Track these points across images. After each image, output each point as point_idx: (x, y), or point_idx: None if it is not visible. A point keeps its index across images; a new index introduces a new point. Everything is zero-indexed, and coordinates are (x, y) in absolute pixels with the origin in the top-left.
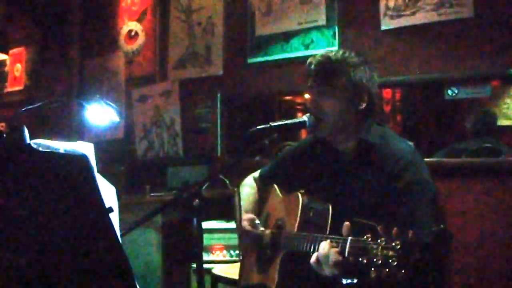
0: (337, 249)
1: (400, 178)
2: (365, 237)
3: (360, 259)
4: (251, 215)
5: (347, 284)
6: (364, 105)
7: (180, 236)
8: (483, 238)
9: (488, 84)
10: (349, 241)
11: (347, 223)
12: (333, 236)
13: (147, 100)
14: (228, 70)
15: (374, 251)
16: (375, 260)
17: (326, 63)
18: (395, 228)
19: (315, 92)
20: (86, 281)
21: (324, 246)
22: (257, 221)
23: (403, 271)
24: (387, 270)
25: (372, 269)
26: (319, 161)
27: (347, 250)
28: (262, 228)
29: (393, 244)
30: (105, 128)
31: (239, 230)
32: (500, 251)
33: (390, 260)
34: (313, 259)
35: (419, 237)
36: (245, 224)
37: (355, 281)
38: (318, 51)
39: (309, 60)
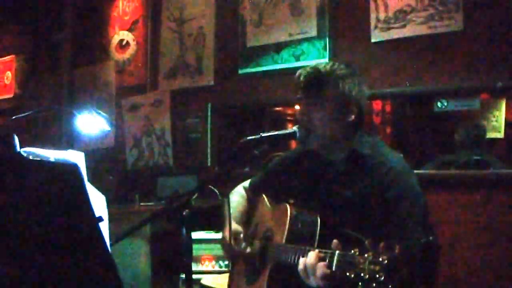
0: (324, 263)
1: (390, 189)
2: (352, 251)
3: (348, 273)
4: (237, 227)
5: None
6: (353, 117)
7: (169, 246)
8: (472, 250)
9: (477, 96)
10: (336, 255)
11: (335, 241)
12: (321, 250)
13: (137, 110)
14: (219, 80)
15: (361, 266)
16: (362, 274)
17: (315, 75)
18: (382, 243)
19: (304, 104)
20: None
21: (312, 256)
22: (241, 235)
23: (390, 286)
24: (374, 285)
25: (359, 283)
26: (308, 172)
27: (334, 263)
28: (243, 243)
29: (380, 259)
30: (96, 137)
31: (223, 240)
32: (489, 263)
33: (377, 275)
34: (300, 266)
35: (407, 251)
36: (226, 235)
37: None
38: (308, 63)
39: (298, 72)
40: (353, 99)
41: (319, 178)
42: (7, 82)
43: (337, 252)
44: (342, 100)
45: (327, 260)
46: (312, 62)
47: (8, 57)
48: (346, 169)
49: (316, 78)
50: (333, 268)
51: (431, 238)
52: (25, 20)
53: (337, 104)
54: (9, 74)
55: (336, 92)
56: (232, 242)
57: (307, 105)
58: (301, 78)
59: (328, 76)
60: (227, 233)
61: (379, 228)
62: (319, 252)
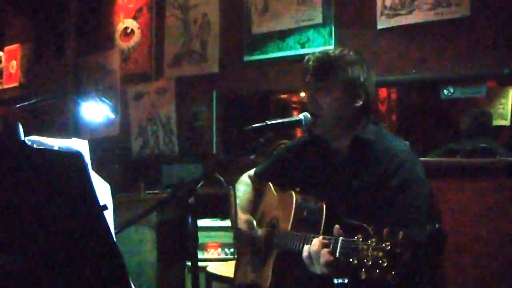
0: (328, 249)
1: (395, 176)
2: (356, 237)
3: (351, 260)
4: (248, 216)
5: (338, 284)
6: (360, 102)
7: (175, 234)
8: (477, 238)
9: (483, 84)
10: (340, 241)
11: (337, 226)
12: (325, 236)
13: (142, 98)
14: (224, 68)
15: (365, 252)
16: (365, 261)
17: (324, 60)
18: (385, 229)
19: (312, 88)
20: (81, 280)
21: (316, 243)
22: (254, 222)
23: (393, 272)
24: (377, 271)
25: (363, 269)
26: (313, 160)
27: (338, 250)
28: (258, 230)
29: (383, 245)
30: (101, 126)
31: (234, 228)
32: (494, 251)
33: (380, 261)
34: (305, 253)
35: (410, 237)
36: (242, 226)
37: (346, 281)
38: (314, 50)
39: (307, 57)
40: (361, 85)
41: (324, 166)
42: (12, 71)
43: (340, 238)
44: (350, 86)
45: (330, 247)
46: (318, 50)
47: (13, 46)
48: (350, 157)
49: (325, 62)
50: (337, 255)
51: (436, 225)
52: (30, 9)
53: (345, 89)
54: (14, 63)
55: (344, 77)
56: (246, 229)
57: (315, 90)
58: (310, 62)
59: (337, 61)
60: (236, 223)
61: (384, 215)
62: (323, 238)
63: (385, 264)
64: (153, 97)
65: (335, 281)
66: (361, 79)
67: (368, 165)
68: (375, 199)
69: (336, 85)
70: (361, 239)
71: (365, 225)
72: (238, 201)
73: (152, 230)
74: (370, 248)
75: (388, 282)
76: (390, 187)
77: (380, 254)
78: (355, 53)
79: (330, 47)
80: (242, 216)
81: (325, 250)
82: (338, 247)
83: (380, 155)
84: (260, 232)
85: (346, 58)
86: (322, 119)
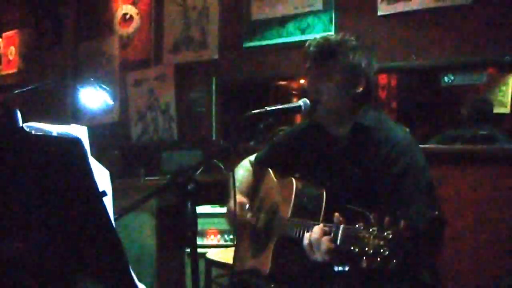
0: (329, 237)
1: (396, 164)
2: (357, 225)
3: (352, 248)
4: (242, 199)
5: (338, 271)
6: (361, 89)
7: (174, 221)
8: (477, 225)
9: (484, 71)
10: (341, 229)
11: (337, 214)
12: (326, 224)
13: (142, 84)
14: (224, 54)
15: (366, 240)
16: (366, 249)
17: (325, 45)
18: (387, 218)
19: (313, 74)
20: (80, 266)
21: (317, 231)
22: (247, 206)
23: (394, 260)
24: (378, 259)
25: (364, 258)
26: (313, 146)
27: (339, 238)
28: (250, 214)
29: (385, 233)
30: (100, 112)
31: (228, 213)
32: (493, 238)
33: (382, 250)
34: (305, 241)
35: (411, 226)
36: (232, 207)
37: (346, 268)
38: (314, 36)
39: (308, 42)
40: (362, 71)
41: (324, 152)
42: (10, 57)
43: (341, 226)
44: (351, 72)
45: (331, 234)
46: (318, 36)
47: (12, 31)
48: (350, 144)
49: (326, 48)
50: (338, 242)
51: (436, 213)
52: None
53: (346, 75)
54: (12, 49)
55: (345, 63)
56: (238, 212)
57: (316, 76)
58: (311, 48)
59: (338, 46)
60: (232, 206)
61: (384, 203)
62: (324, 226)
63: (387, 252)
64: (153, 83)
65: (336, 268)
66: (362, 65)
67: (368, 152)
68: (375, 186)
69: (337, 71)
70: (362, 227)
71: (367, 213)
72: (237, 184)
73: (152, 217)
74: (372, 237)
75: (388, 270)
76: (390, 174)
77: (382, 242)
78: (356, 38)
79: (331, 33)
80: (238, 198)
81: (326, 237)
82: (339, 235)
83: (380, 142)
84: (251, 216)
85: (347, 44)
86: (322, 106)
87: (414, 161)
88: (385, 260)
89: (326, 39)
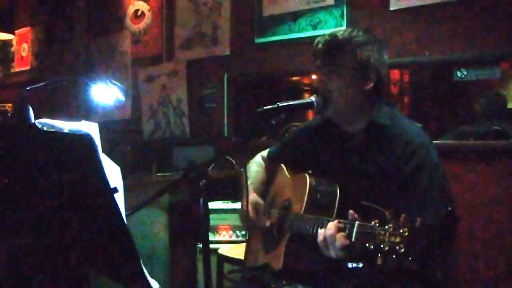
0: (344, 233)
1: (410, 161)
2: (372, 222)
3: (367, 245)
4: (256, 199)
5: (352, 268)
6: (371, 84)
7: (186, 217)
8: (491, 222)
9: (498, 66)
10: (356, 225)
11: (351, 211)
12: (341, 220)
13: (153, 80)
14: (235, 50)
15: (381, 237)
16: (382, 246)
17: (332, 43)
18: (403, 215)
19: (322, 72)
20: (91, 262)
21: (331, 227)
22: (261, 202)
23: (409, 258)
24: (393, 257)
25: (379, 255)
26: (327, 142)
27: (354, 234)
28: (264, 218)
29: (401, 231)
30: (112, 108)
31: (241, 211)
32: (507, 235)
33: (397, 247)
34: (320, 237)
35: (427, 224)
36: (249, 208)
37: (360, 265)
38: (326, 31)
39: (316, 39)
40: (371, 67)
41: (338, 149)
42: (23, 54)
43: (356, 222)
44: (360, 68)
45: (346, 231)
46: (330, 31)
47: (24, 29)
48: (365, 141)
49: (334, 45)
50: (353, 239)
51: (449, 209)
52: None
53: (355, 72)
54: (25, 46)
55: (353, 59)
56: (251, 212)
57: (325, 74)
58: (319, 46)
59: (345, 43)
60: (245, 204)
61: (398, 200)
62: (339, 222)
63: (402, 250)
64: (165, 79)
65: (349, 265)
66: (371, 61)
67: (383, 150)
68: (389, 184)
69: (346, 68)
70: (377, 224)
71: (382, 210)
72: (249, 180)
73: (164, 212)
74: (387, 234)
75: (403, 268)
76: (405, 172)
77: (397, 240)
78: (365, 33)
79: (342, 28)
80: (251, 197)
81: (341, 234)
82: (354, 231)
83: (395, 139)
84: (266, 217)
85: (355, 40)
86: (333, 104)
87: (428, 158)
88: (401, 258)
89: (333, 36)
